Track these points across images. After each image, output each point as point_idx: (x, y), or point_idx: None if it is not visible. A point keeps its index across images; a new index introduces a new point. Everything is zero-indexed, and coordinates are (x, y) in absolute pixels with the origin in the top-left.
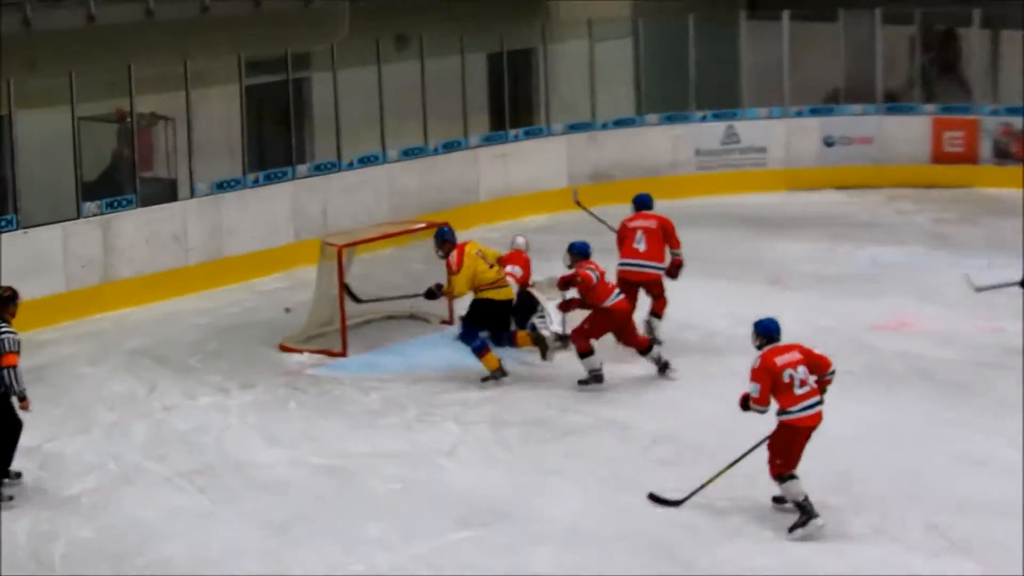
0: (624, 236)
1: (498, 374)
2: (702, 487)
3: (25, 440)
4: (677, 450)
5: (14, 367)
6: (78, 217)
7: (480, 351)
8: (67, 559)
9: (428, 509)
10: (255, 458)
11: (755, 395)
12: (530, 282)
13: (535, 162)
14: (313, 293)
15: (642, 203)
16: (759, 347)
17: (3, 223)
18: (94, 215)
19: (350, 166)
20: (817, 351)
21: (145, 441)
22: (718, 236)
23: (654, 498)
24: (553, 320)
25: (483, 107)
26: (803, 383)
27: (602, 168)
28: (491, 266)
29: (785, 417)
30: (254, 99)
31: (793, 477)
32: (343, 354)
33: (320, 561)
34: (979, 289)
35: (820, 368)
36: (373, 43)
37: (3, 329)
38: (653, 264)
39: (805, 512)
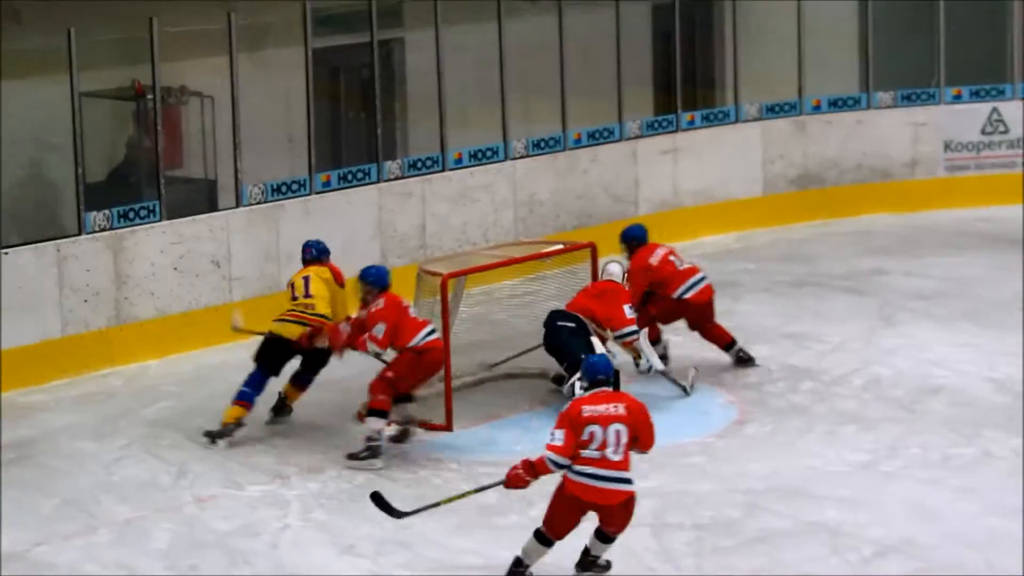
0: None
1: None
2: (431, 506)
3: (5, 543)
4: (915, 566)
5: None
6: (79, 233)
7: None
8: None
9: None
10: (323, 571)
11: (552, 442)
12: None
13: (718, 159)
14: None
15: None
16: (585, 389)
17: None
18: (101, 230)
19: (458, 163)
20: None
21: (171, 547)
22: (975, 265)
23: (377, 500)
24: (649, 359)
25: (645, 80)
26: (603, 446)
27: (811, 169)
28: None
29: (569, 476)
30: (325, 68)
31: (545, 542)
32: (447, 427)
33: None
34: None
35: (640, 442)
36: None
37: None
38: None
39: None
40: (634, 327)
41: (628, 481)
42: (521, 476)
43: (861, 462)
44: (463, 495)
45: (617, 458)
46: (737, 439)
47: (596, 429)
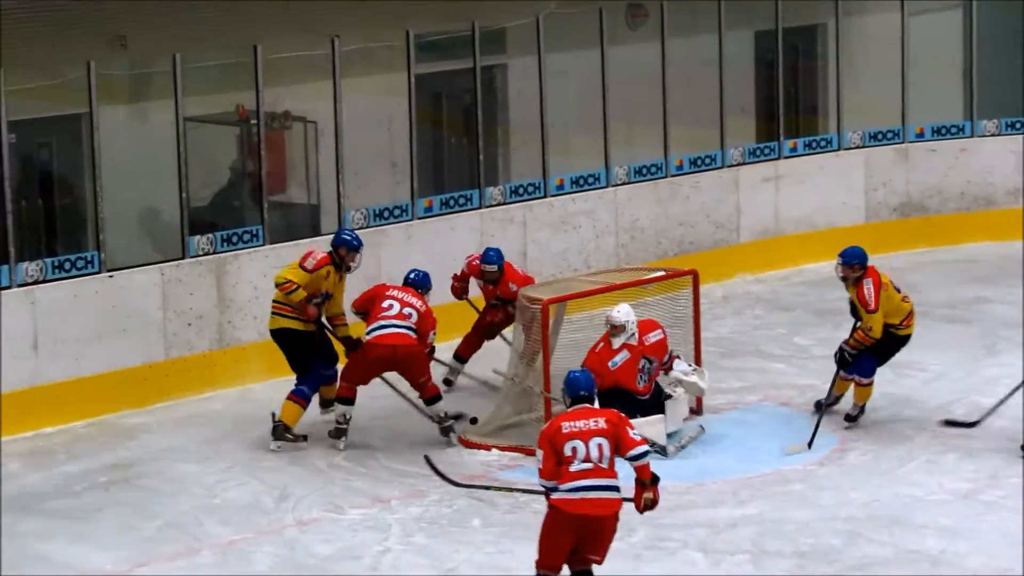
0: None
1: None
2: (485, 488)
3: (108, 564)
4: None
5: None
6: (183, 257)
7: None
8: None
9: None
10: None
11: (539, 465)
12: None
13: (820, 186)
14: (507, 365)
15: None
16: (568, 406)
17: (80, 263)
18: (205, 254)
19: (560, 189)
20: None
21: (272, 569)
22: None
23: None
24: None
25: (748, 107)
26: (587, 458)
27: (914, 197)
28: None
29: (554, 496)
30: (427, 94)
31: None
32: None
33: None
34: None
35: (622, 447)
36: (595, 16)
37: None
38: None
39: None
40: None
41: (618, 489)
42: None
43: (962, 491)
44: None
45: (604, 467)
46: (838, 467)
47: (578, 444)
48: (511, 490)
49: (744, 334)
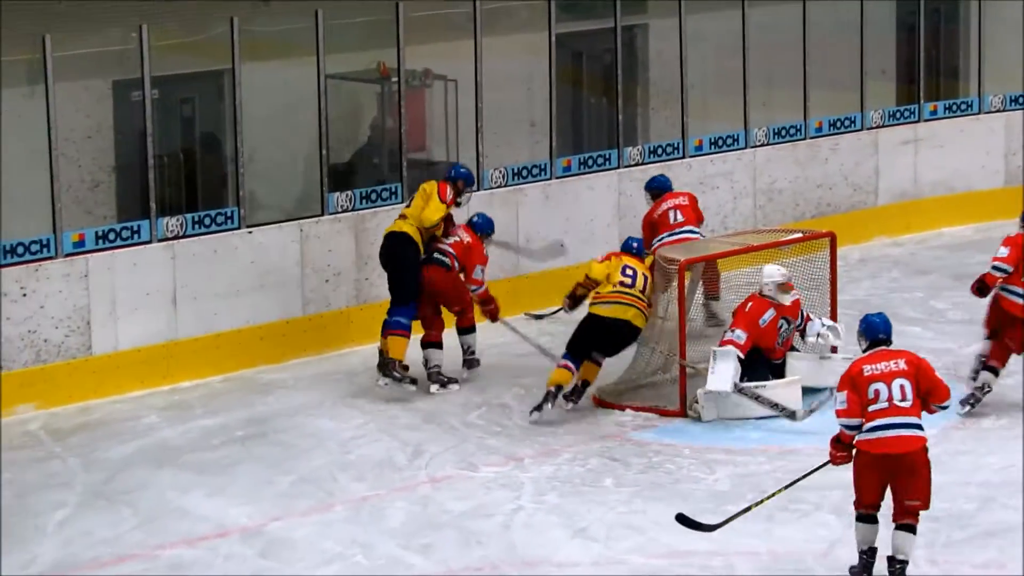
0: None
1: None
2: (744, 512)
3: (243, 518)
4: None
5: None
6: (323, 213)
7: None
8: None
9: None
10: (555, 555)
11: (839, 407)
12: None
13: (960, 150)
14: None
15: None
16: (864, 350)
17: (221, 219)
18: (344, 211)
19: (698, 150)
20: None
21: (405, 525)
22: None
23: (683, 520)
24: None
25: (888, 70)
26: (889, 399)
27: None
28: None
29: (858, 438)
30: (567, 54)
31: (864, 519)
32: (681, 413)
33: None
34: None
35: (933, 394)
36: None
37: None
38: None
39: (860, 566)
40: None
41: (920, 427)
42: (835, 455)
43: (992, 483)
44: (763, 500)
45: (906, 405)
46: (973, 432)
47: (880, 386)
48: (780, 491)
49: (881, 297)
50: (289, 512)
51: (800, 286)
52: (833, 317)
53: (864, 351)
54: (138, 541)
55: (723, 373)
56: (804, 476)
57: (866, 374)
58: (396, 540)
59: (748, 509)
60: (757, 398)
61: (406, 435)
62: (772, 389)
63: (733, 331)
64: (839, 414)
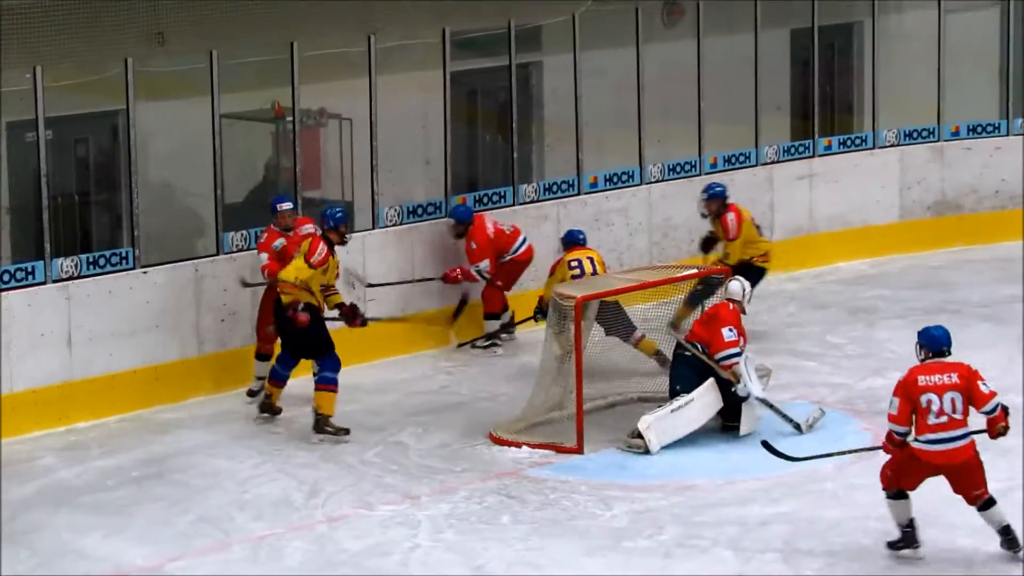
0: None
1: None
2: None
3: (140, 559)
4: None
5: None
6: (218, 253)
7: None
8: None
9: None
10: None
11: (891, 411)
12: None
13: (855, 184)
14: (538, 362)
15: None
16: (922, 360)
17: (116, 259)
18: (239, 250)
19: (593, 187)
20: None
21: (303, 564)
22: None
23: (768, 447)
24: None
25: (783, 105)
26: (941, 413)
27: (948, 195)
28: None
29: (913, 444)
30: (462, 91)
31: (902, 496)
32: (578, 450)
33: None
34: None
35: (976, 402)
36: (630, 14)
37: None
38: None
39: (905, 539)
40: (732, 350)
41: (969, 434)
42: (889, 449)
43: (997, 490)
44: (845, 452)
45: (959, 418)
46: (871, 465)
47: (933, 397)
48: (849, 452)
49: (778, 332)
50: (187, 552)
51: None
52: None
53: (923, 359)
54: None
55: (755, 379)
56: (859, 451)
57: (920, 384)
58: None
59: (831, 455)
60: (771, 407)
61: (303, 474)
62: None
63: (731, 330)
64: (890, 419)
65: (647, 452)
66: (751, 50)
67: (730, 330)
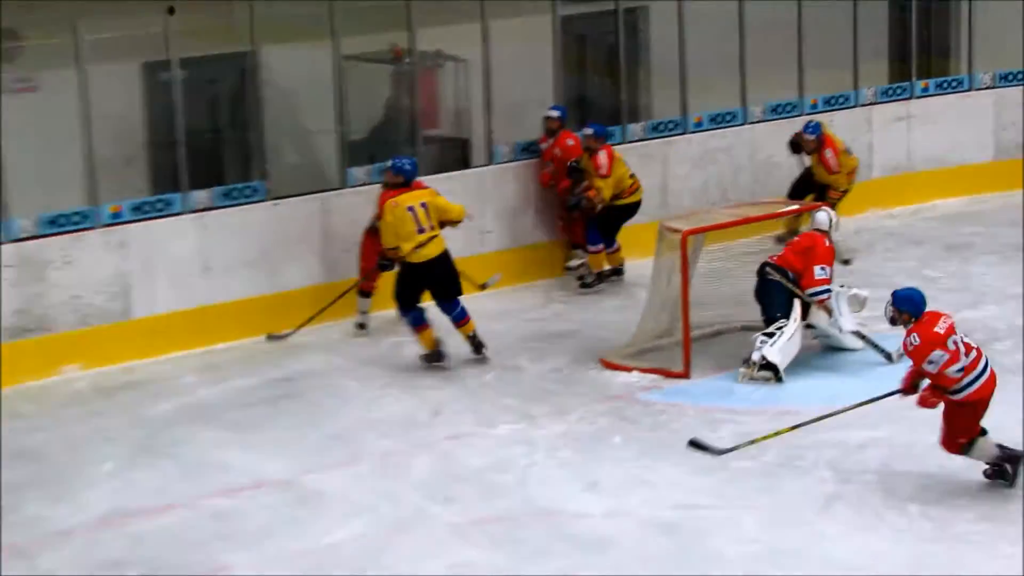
0: None
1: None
2: (753, 442)
3: (277, 471)
4: None
5: None
6: (342, 187)
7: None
8: None
9: None
10: (567, 506)
11: (943, 361)
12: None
13: (951, 126)
14: (647, 293)
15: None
16: (905, 323)
17: (248, 191)
18: (363, 184)
19: (698, 127)
20: None
21: (427, 479)
22: None
23: (695, 444)
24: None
25: (881, 50)
26: (969, 350)
27: None
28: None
29: (958, 396)
30: (571, 35)
31: (984, 434)
32: (685, 375)
33: None
34: None
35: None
36: None
37: None
38: None
39: (1012, 459)
40: (824, 287)
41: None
42: (930, 400)
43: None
44: (773, 435)
45: (975, 355)
46: None
47: (957, 339)
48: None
49: (877, 266)
50: (320, 466)
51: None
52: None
53: (906, 323)
54: (181, 492)
55: (847, 313)
56: (871, 400)
57: (941, 332)
58: (420, 492)
59: (753, 442)
60: (863, 338)
61: (426, 394)
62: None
63: (824, 269)
64: (947, 365)
65: (780, 381)
66: None
67: (823, 269)
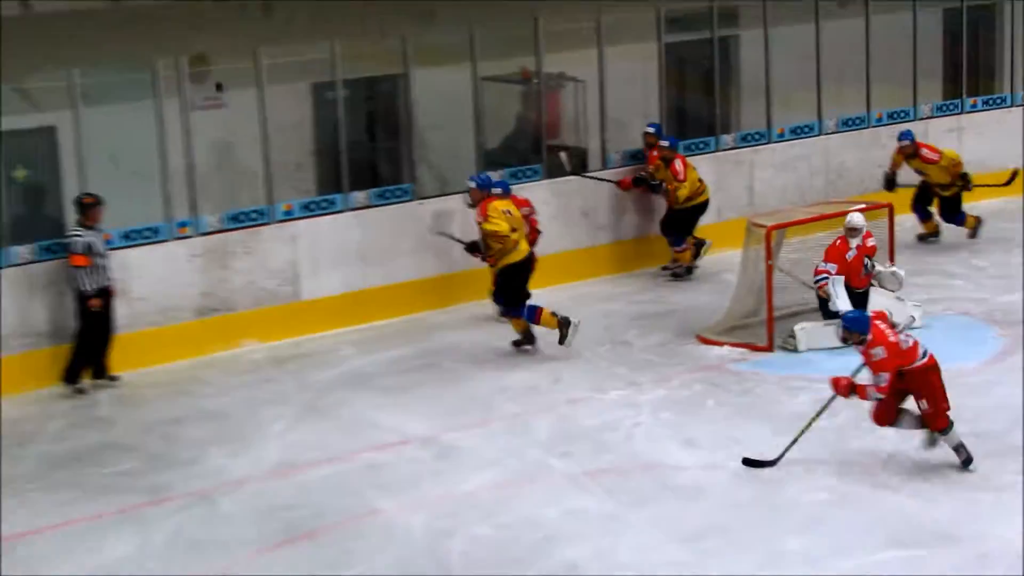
0: None
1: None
2: (793, 442)
3: (421, 429)
4: None
5: (81, 267)
6: None
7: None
8: (465, 557)
9: (858, 524)
10: (667, 459)
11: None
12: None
13: (995, 136)
14: (737, 278)
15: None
16: (857, 342)
17: (399, 192)
18: None
19: (781, 137)
20: None
21: (548, 436)
22: None
23: (748, 462)
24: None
25: (935, 71)
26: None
27: None
28: None
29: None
30: (673, 59)
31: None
32: (768, 349)
33: (735, 574)
34: None
35: None
36: None
37: (74, 232)
38: None
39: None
40: (821, 276)
41: None
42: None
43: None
44: (808, 425)
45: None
46: (1009, 365)
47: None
48: (809, 425)
49: (930, 255)
50: (457, 425)
51: None
52: None
53: (861, 342)
54: (340, 447)
55: (843, 297)
56: (819, 413)
57: (894, 340)
58: (541, 448)
59: (795, 441)
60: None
61: (548, 365)
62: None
63: (826, 264)
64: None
65: (796, 351)
66: (910, 25)
67: (824, 263)
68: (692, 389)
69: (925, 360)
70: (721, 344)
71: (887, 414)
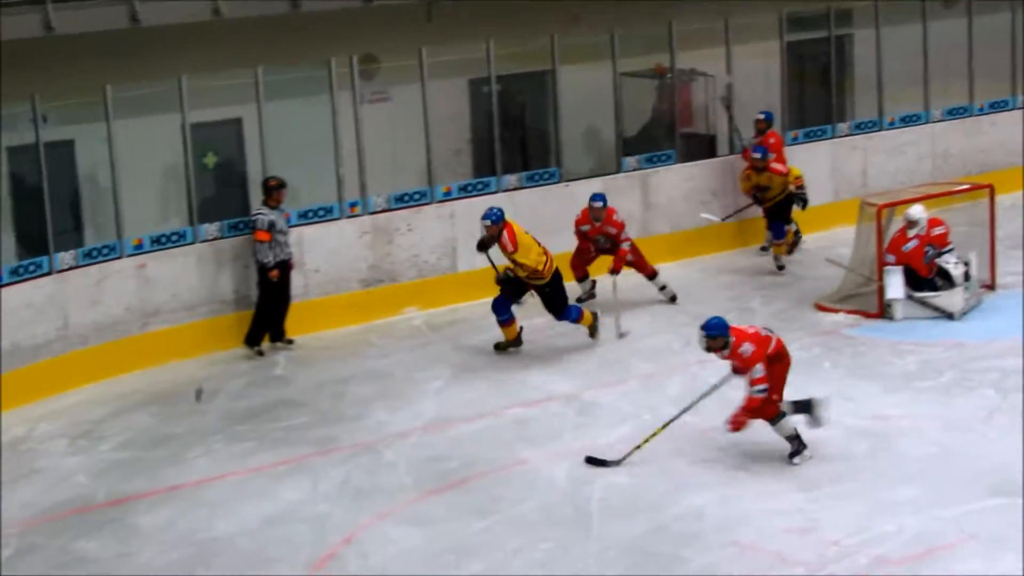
0: None
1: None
2: (640, 446)
3: (564, 387)
4: None
5: (264, 242)
6: (618, 171)
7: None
8: (603, 503)
9: (961, 474)
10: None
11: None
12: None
13: None
14: (851, 253)
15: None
16: (724, 347)
17: (547, 175)
18: (634, 170)
19: (891, 125)
20: None
21: (679, 393)
22: None
23: (591, 460)
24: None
25: None
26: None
27: None
28: None
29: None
30: (795, 56)
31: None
32: (880, 315)
33: (849, 519)
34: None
35: None
36: (918, 1)
37: (258, 212)
38: None
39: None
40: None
41: None
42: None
43: None
44: (658, 432)
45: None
46: None
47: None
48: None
49: (975, 237)
50: (597, 384)
51: (967, 223)
52: (992, 246)
53: (724, 347)
54: (490, 404)
55: (895, 285)
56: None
57: (758, 336)
58: (673, 405)
59: (638, 447)
60: (923, 303)
61: (680, 330)
62: (937, 297)
63: (887, 256)
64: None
65: (892, 319)
66: (1008, 23)
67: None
68: (811, 352)
69: (775, 346)
70: (837, 311)
71: (771, 407)
